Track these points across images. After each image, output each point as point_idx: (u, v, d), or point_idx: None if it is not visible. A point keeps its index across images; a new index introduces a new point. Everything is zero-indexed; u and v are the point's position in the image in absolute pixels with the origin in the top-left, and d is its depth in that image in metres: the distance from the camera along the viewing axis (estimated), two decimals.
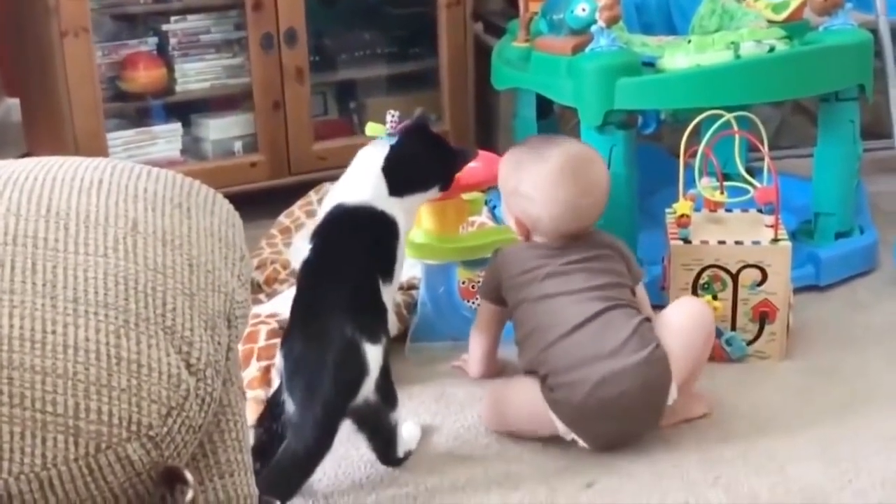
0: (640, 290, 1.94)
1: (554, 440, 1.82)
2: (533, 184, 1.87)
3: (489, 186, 2.15)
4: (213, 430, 1.06)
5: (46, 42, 2.56)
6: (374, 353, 1.68)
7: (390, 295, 1.80)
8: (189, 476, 0.96)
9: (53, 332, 0.97)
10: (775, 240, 2.04)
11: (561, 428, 1.79)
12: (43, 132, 2.81)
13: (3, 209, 1.07)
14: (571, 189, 1.84)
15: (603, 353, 1.75)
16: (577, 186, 1.85)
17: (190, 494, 0.95)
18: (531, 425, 1.82)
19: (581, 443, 1.79)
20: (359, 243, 1.78)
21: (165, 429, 0.97)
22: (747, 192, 2.13)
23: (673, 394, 1.78)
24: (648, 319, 1.82)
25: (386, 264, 1.79)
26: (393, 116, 2.23)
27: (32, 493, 0.94)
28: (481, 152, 2.27)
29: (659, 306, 1.96)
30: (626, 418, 1.77)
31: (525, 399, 1.82)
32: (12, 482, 0.93)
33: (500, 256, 1.91)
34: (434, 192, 1.90)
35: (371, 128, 2.24)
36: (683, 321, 1.82)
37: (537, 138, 2.11)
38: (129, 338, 0.99)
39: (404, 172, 1.84)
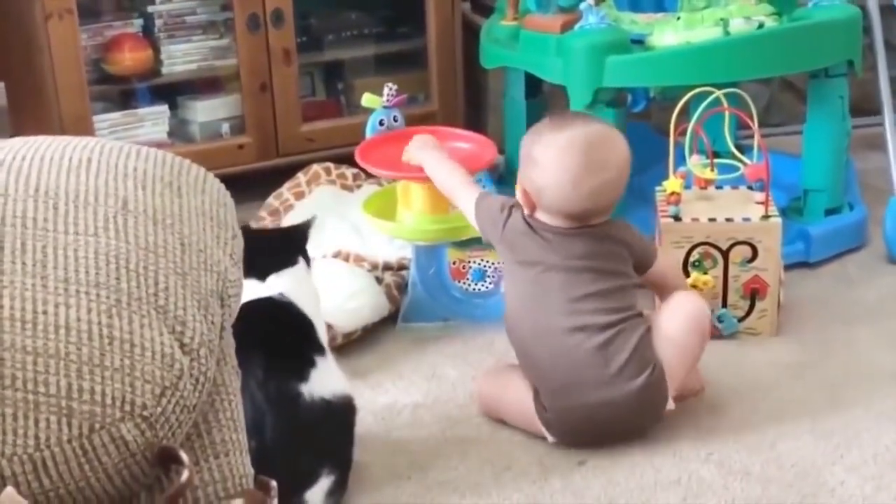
0: (662, 267, 1.85)
1: None
2: (543, 149, 1.76)
3: (479, 168, 2.15)
4: (208, 410, 1.06)
5: (30, 24, 2.53)
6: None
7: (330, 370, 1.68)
8: (184, 456, 0.95)
9: (45, 313, 0.97)
10: (765, 216, 2.04)
11: (550, 439, 1.77)
12: (28, 116, 2.79)
13: None
14: (578, 161, 1.72)
15: (600, 380, 1.71)
16: (585, 160, 1.72)
17: (185, 475, 0.94)
18: (520, 425, 1.81)
19: None
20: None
21: (159, 409, 0.97)
22: (737, 168, 2.13)
23: (670, 405, 1.76)
24: (648, 331, 1.75)
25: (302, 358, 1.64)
26: (390, 89, 2.23)
27: (26, 474, 0.93)
28: (471, 133, 2.28)
29: None
30: (620, 434, 1.77)
31: (517, 403, 1.79)
32: (5, 464, 0.93)
33: (509, 220, 1.80)
34: (304, 267, 1.75)
35: (367, 99, 2.24)
36: (678, 326, 1.77)
37: (570, 112, 2.01)
38: (121, 317, 0.98)
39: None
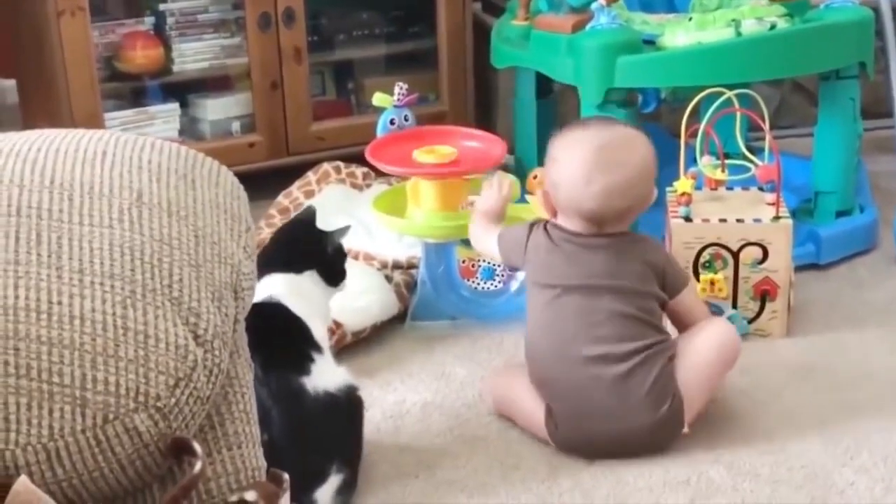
0: (688, 298, 1.79)
1: None
2: (563, 147, 1.76)
3: (489, 166, 2.15)
4: (221, 402, 1.06)
5: (42, 21, 2.54)
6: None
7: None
8: (197, 447, 0.95)
9: (59, 303, 0.97)
10: (776, 217, 2.03)
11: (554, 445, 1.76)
12: (40, 113, 2.79)
13: (7, 180, 1.06)
14: (591, 157, 1.70)
15: (617, 412, 1.69)
16: (598, 157, 1.71)
17: (198, 466, 0.94)
18: (527, 430, 1.80)
19: None
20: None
21: (173, 400, 0.97)
22: (748, 170, 2.13)
23: (685, 431, 1.74)
24: (672, 358, 1.71)
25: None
26: (401, 88, 2.23)
27: (39, 464, 0.93)
28: (481, 132, 2.28)
29: None
30: (631, 454, 1.74)
31: (527, 409, 1.78)
32: (19, 453, 0.93)
33: (531, 236, 1.79)
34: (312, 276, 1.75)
35: (378, 98, 2.24)
36: (708, 357, 1.75)
37: (601, 116, 1.99)
38: (135, 308, 0.98)
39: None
